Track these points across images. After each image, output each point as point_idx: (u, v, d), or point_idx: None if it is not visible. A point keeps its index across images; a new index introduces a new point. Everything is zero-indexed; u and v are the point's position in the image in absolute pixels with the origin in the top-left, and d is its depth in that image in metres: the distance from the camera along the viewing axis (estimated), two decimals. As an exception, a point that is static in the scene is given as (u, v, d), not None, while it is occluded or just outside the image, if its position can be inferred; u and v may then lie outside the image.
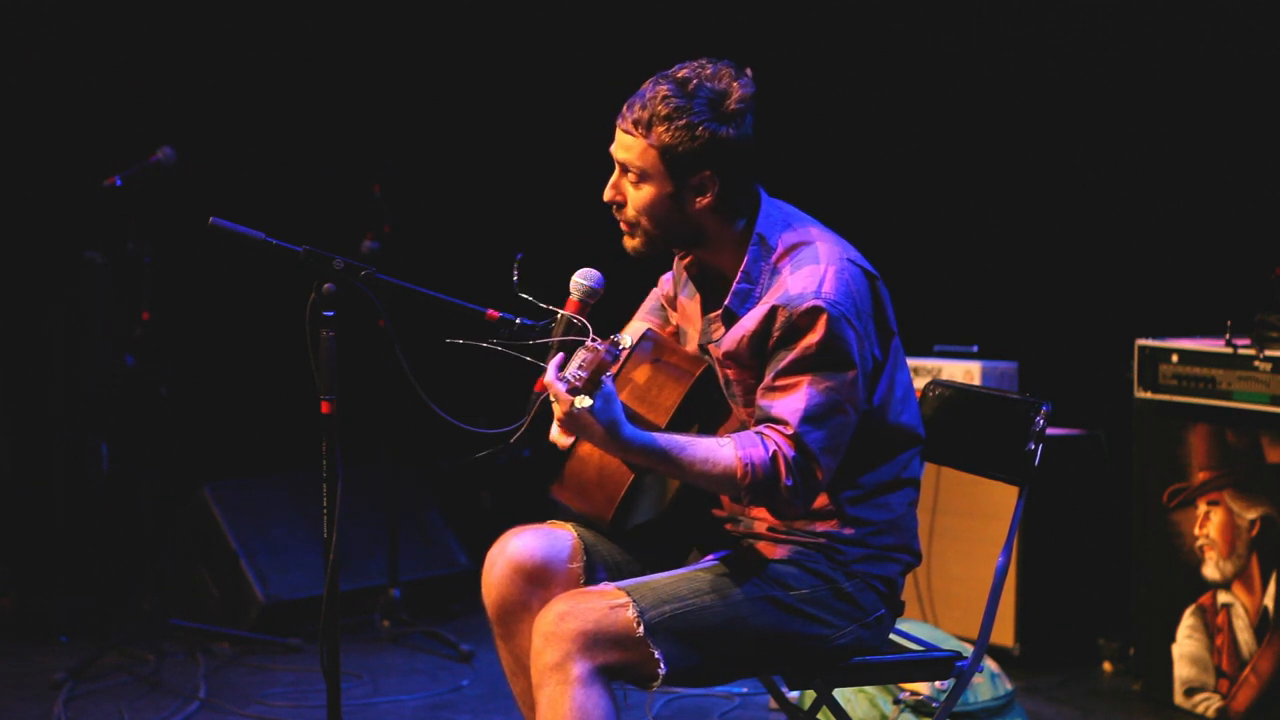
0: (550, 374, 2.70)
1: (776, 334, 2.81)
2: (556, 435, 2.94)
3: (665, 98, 2.80)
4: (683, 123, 2.79)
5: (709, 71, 2.83)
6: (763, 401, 2.81)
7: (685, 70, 2.84)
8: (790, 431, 2.76)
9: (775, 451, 2.75)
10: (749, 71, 2.87)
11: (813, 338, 2.77)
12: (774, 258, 2.89)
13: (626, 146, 2.86)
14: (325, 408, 2.88)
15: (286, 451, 5.56)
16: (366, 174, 5.33)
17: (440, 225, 6.26)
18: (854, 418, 2.82)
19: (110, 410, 5.32)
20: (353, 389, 3.41)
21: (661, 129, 2.81)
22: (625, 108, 2.86)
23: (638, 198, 2.87)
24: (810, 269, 2.82)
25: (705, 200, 2.86)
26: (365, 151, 6.00)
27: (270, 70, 6.02)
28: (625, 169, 2.87)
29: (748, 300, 2.89)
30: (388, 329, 2.90)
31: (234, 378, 6.10)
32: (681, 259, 3.09)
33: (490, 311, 2.93)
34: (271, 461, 5.73)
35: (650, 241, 2.92)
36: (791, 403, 2.77)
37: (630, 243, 2.94)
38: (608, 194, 2.92)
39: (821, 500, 2.90)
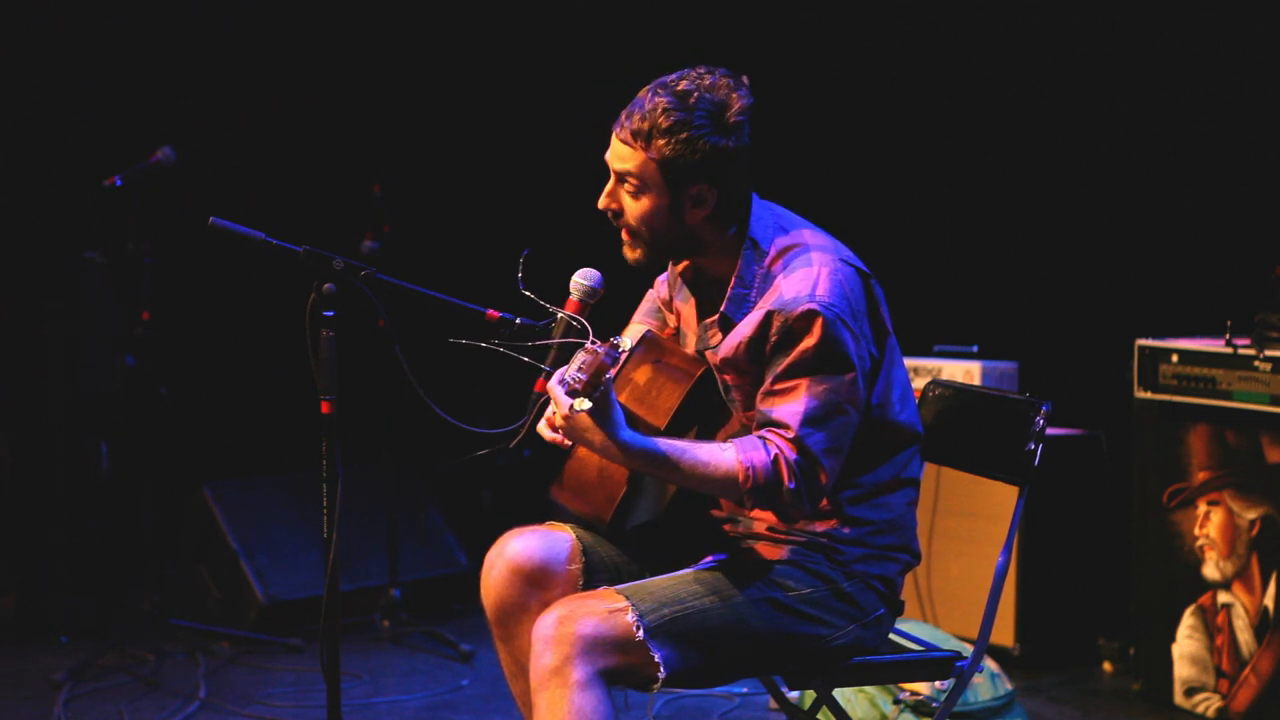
0: (551, 377, 2.70)
1: (773, 339, 2.80)
2: (544, 428, 2.92)
3: (665, 110, 2.77)
4: (684, 136, 2.77)
5: (708, 82, 2.80)
6: (763, 406, 2.81)
7: (685, 82, 2.80)
8: (792, 435, 2.75)
9: (777, 455, 2.75)
10: (746, 80, 2.85)
11: (809, 341, 2.77)
12: (767, 261, 2.88)
13: (624, 157, 2.83)
14: (325, 408, 2.88)
15: (286, 451, 5.56)
16: (366, 174, 5.33)
17: (440, 225, 6.25)
18: (855, 418, 2.82)
19: (110, 410, 5.32)
20: (353, 389, 3.41)
21: (662, 142, 2.78)
22: (624, 116, 2.83)
23: (635, 208, 2.86)
24: (803, 272, 2.82)
25: (703, 211, 2.85)
26: (365, 151, 6.00)
27: (270, 70, 6.02)
28: (622, 178, 2.85)
29: (743, 305, 2.89)
30: (388, 329, 2.90)
31: (234, 378, 6.10)
32: (674, 264, 3.09)
33: (490, 311, 2.93)
34: (271, 461, 5.73)
35: (651, 252, 2.91)
36: (791, 406, 2.77)
37: (631, 254, 2.93)
38: (603, 202, 2.90)
39: (822, 501, 2.89)
